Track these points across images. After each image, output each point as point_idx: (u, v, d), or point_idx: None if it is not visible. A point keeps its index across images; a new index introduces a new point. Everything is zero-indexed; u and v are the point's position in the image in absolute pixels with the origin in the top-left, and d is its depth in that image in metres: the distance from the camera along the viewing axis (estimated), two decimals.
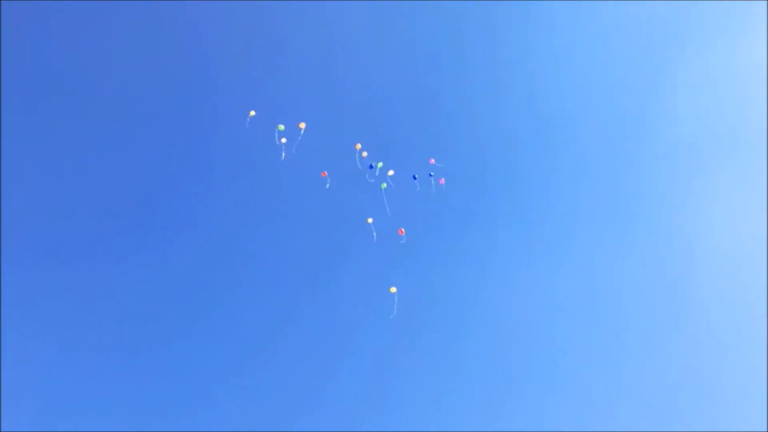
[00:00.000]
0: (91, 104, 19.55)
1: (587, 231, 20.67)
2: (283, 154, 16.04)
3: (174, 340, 19.01)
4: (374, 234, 16.21)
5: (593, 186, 21.13)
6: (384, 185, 16.18)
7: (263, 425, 18.22)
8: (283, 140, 15.99)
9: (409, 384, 19.51)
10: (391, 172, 16.15)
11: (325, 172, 16.12)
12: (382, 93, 20.93)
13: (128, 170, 19.59)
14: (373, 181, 16.24)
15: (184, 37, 20.07)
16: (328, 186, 16.18)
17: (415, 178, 16.43)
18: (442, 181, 16.54)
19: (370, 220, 16.28)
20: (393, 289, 16.22)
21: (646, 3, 20.75)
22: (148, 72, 19.79)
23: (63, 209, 19.06)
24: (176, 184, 20.01)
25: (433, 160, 16.56)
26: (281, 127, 15.90)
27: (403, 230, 16.06)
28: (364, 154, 16.28)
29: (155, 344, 18.80)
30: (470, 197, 20.80)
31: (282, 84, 20.48)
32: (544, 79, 21.36)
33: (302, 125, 15.98)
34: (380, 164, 16.14)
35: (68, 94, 19.42)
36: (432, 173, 16.41)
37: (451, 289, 20.47)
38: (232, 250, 19.95)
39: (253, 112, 16.04)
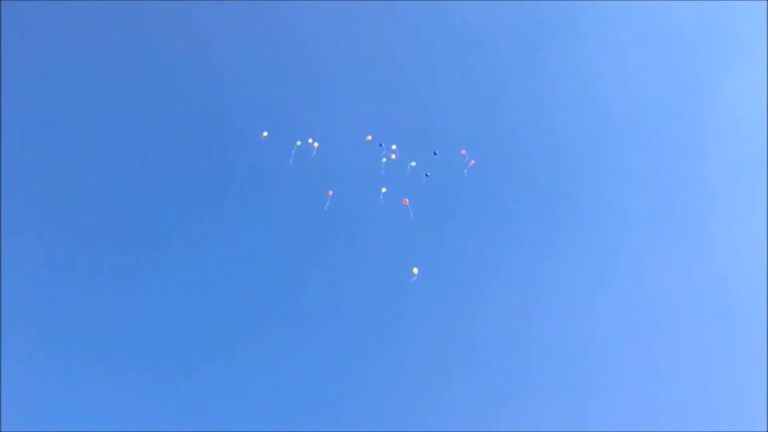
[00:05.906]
0: (94, 105, 19.71)
1: (640, 243, 20.72)
2: (315, 145, 16.47)
3: (174, 341, 19.07)
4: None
5: (646, 195, 21.35)
6: (384, 160, 16.50)
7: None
8: (315, 145, 16.56)
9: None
10: (394, 146, 16.46)
11: (330, 192, 16.40)
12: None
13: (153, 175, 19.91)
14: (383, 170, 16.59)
15: (194, 36, 20.26)
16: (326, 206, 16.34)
17: (435, 154, 16.65)
18: (472, 162, 16.75)
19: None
20: (415, 270, 16.01)
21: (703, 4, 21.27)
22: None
23: (66, 210, 19.19)
24: (206, 189, 20.32)
25: (464, 152, 16.83)
26: (298, 143, 16.52)
27: (407, 200, 16.14)
28: (368, 137, 16.62)
29: (156, 344, 18.86)
30: (529, 207, 21.07)
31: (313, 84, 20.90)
32: (604, 87, 21.92)
33: (315, 144, 16.63)
34: (413, 163, 16.53)
35: (66, 95, 19.55)
36: (436, 152, 16.59)
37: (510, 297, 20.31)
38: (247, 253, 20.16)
39: (265, 133, 16.64)
